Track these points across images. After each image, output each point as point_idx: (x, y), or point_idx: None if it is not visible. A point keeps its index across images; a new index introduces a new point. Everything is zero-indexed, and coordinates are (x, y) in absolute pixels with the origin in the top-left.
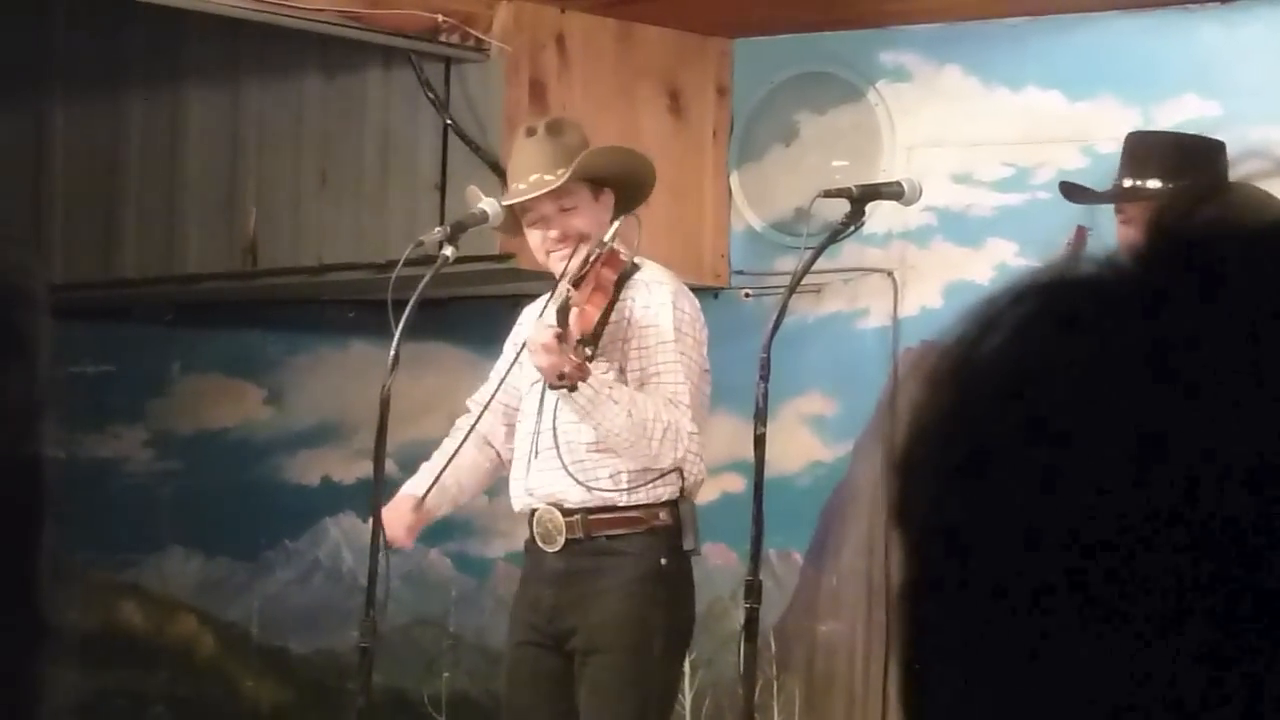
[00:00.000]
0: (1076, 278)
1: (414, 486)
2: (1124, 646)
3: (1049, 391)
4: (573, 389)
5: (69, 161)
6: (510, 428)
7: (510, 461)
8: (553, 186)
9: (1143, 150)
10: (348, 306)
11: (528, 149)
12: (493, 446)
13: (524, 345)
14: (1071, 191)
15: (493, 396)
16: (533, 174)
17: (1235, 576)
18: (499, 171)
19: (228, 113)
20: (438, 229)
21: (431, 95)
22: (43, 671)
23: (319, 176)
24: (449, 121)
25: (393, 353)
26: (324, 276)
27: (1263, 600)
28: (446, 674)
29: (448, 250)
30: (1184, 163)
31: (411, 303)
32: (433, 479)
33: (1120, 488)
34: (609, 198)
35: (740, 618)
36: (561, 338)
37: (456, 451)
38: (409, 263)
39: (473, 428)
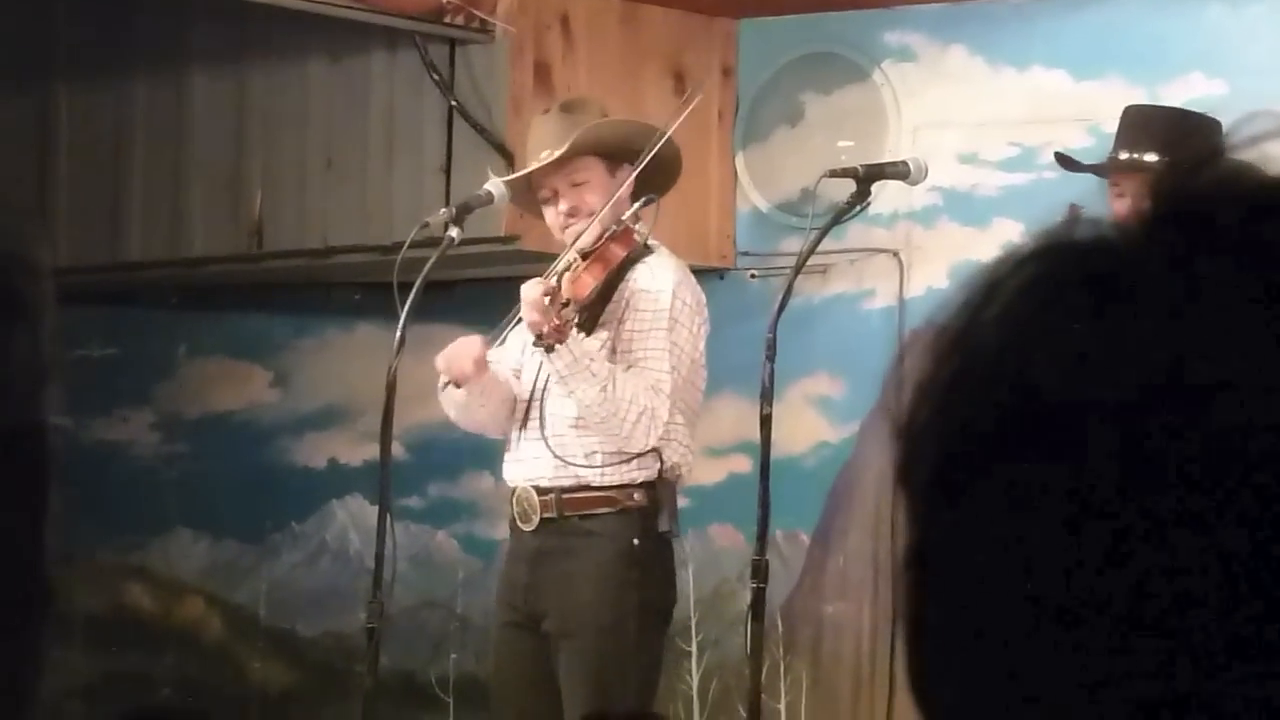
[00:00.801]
0: (1077, 243)
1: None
2: (1131, 615)
3: (1051, 355)
4: (549, 349)
5: (74, 144)
6: (517, 388)
7: (516, 415)
8: (554, 157)
9: (1140, 124)
10: (353, 289)
11: (541, 127)
12: (511, 389)
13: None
14: (1067, 162)
15: (503, 336)
16: (544, 151)
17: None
18: (504, 153)
19: (233, 95)
20: (443, 211)
21: (436, 77)
22: (46, 639)
23: (324, 159)
24: (454, 103)
25: (398, 335)
26: (329, 259)
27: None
28: (454, 655)
29: (453, 232)
30: (1181, 136)
31: (417, 285)
32: (497, 334)
33: (1123, 454)
34: (626, 175)
35: (747, 598)
36: (551, 296)
37: (514, 320)
38: (414, 245)
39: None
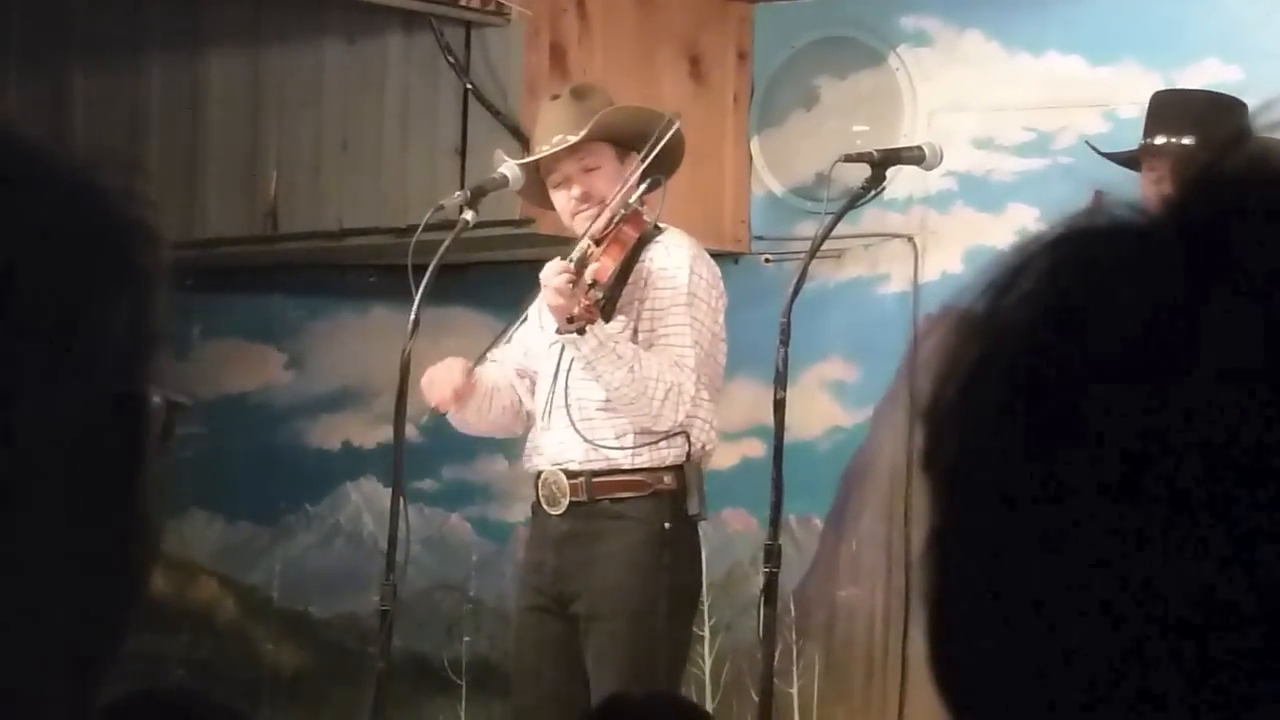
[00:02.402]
0: (1104, 225)
1: (458, 361)
2: (1154, 596)
3: (1078, 338)
4: (581, 332)
5: (88, 127)
6: (529, 395)
7: (529, 419)
8: (570, 143)
9: (1172, 107)
10: (368, 271)
11: (552, 111)
12: (518, 393)
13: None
14: (1101, 151)
15: (507, 331)
16: (555, 135)
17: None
18: (519, 136)
19: (248, 77)
20: (458, 193)
21: (452, 60)
22: (130, 628)
23: (339, 141)
24: (469, 86)
25: (413, 317)
26: (344, 241)
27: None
28: (467, 638)
29: (468, 215)
30: (1214, 118)
31: (432, 267)
32: (481, 354)
33: (1150, 435)
34: (635, 161)
35: (760, 583)
36: (575, 282)
37: (500, 338)
38: (429, 227)
39: (507, 333)
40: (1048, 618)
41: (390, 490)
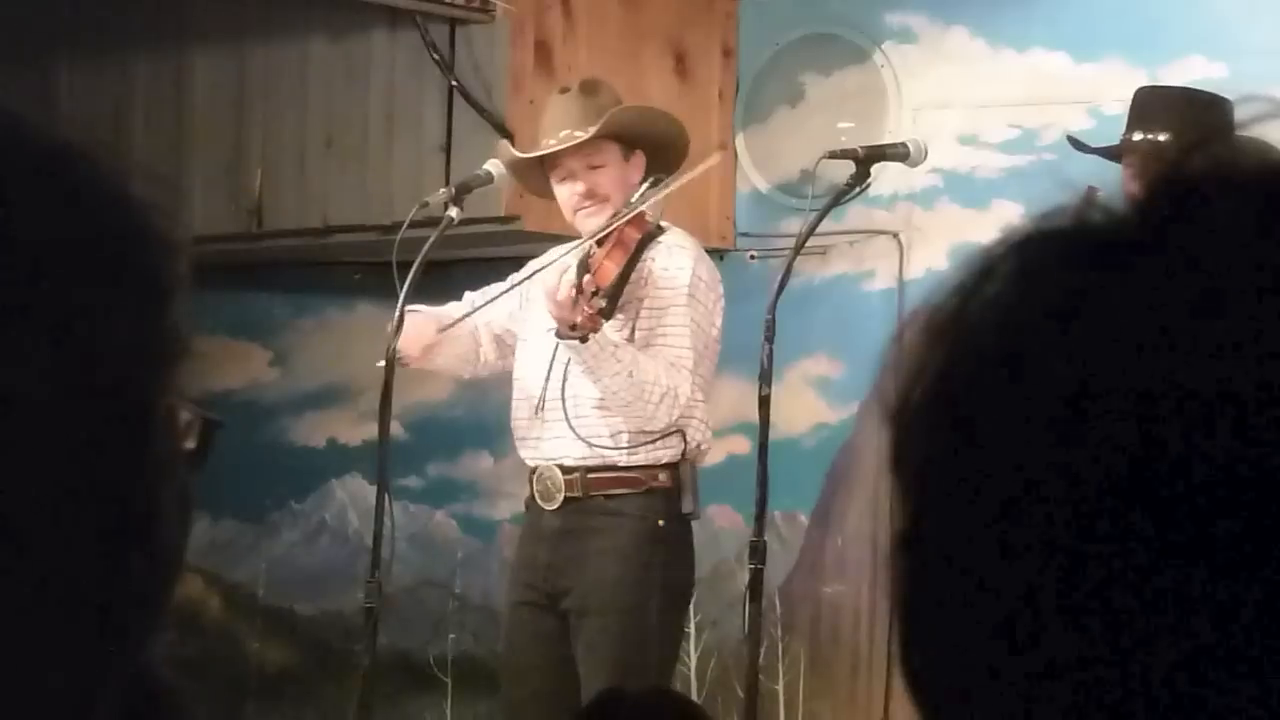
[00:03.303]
0: (1073, 226)
1: (438, 313)
2: (1119, 599)
3: (1044, 339)
4: (583, 340)
5: (74, 123)
6: (501, 342)
7: (485, 368)
8: (580, 141)
9: (1152, 104)
10: (353, 268)
11: (560, 105)
12: (477, 340)
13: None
14: (1081, 145)
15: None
16: (563, 130)
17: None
18: (504, 133)
19: (233, 74)
20: (442, 190)
21: (436, 57)
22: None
23: (324, 138)
24: (454, 83)
25: (397, 314)
26: (329, 238)
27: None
28: (452, 635)
29: (452, 212)
30: (1193, 116)
31: (416, 265)
32: (459, 318)
33: (1116, 437)
34: (640, 160)
35: (745, 579)
36: (578, 289)
37: (481, 308)
38: (414, 224)
39: (487, 302)
40: (1015, 622)
41: (375, 487)
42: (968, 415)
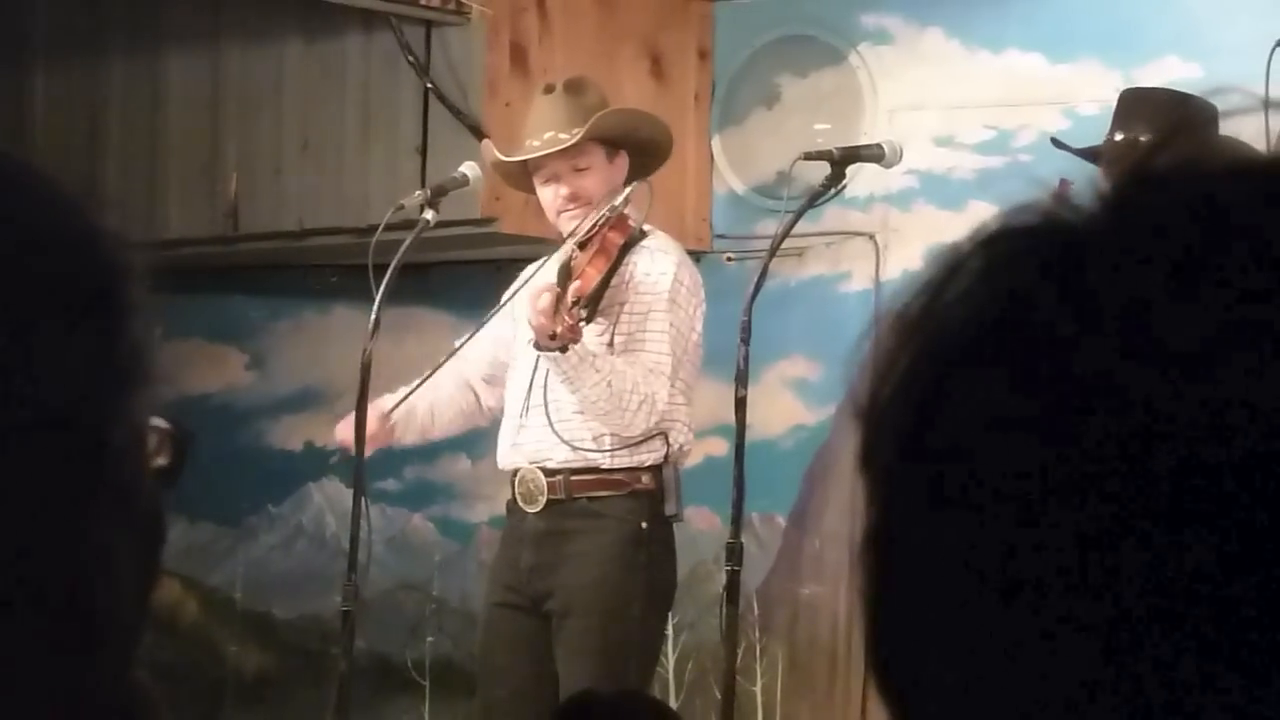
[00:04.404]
0: (1040, 222)
1: (385, 400)
2: (1092, 598)
3: (1011, 337)
4: (563, 350)
5: (48, 126)
6: (495, 379)
7: (491, 412)
8: (566, 145)
9: (1135, 105)
10: (330, 271)
11: (544, 106)
12: (474, 391)
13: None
14: (1063, 146)
15: (468, 339)
16: (547, 131)
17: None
18: (480, 135)
19: (208, 77)
20: (418, 193)
21: (412, 59)
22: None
23: (300, 141)
24: (429, 85)
25: (373, 317)
26: (305, 241)
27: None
28: (430, 639)
29: (428, 214)
30: (1177, 117)
31: (392, 267)
32: (402, 398)
33: (1083, 431)
34: (623, 161)
35: (722, 581)
36: (559, 299)
37: (429, 377)
38: (390, 227)
39: (446, 360)
40: (981, 621)
41: (352, 491)
42: (933, 413)
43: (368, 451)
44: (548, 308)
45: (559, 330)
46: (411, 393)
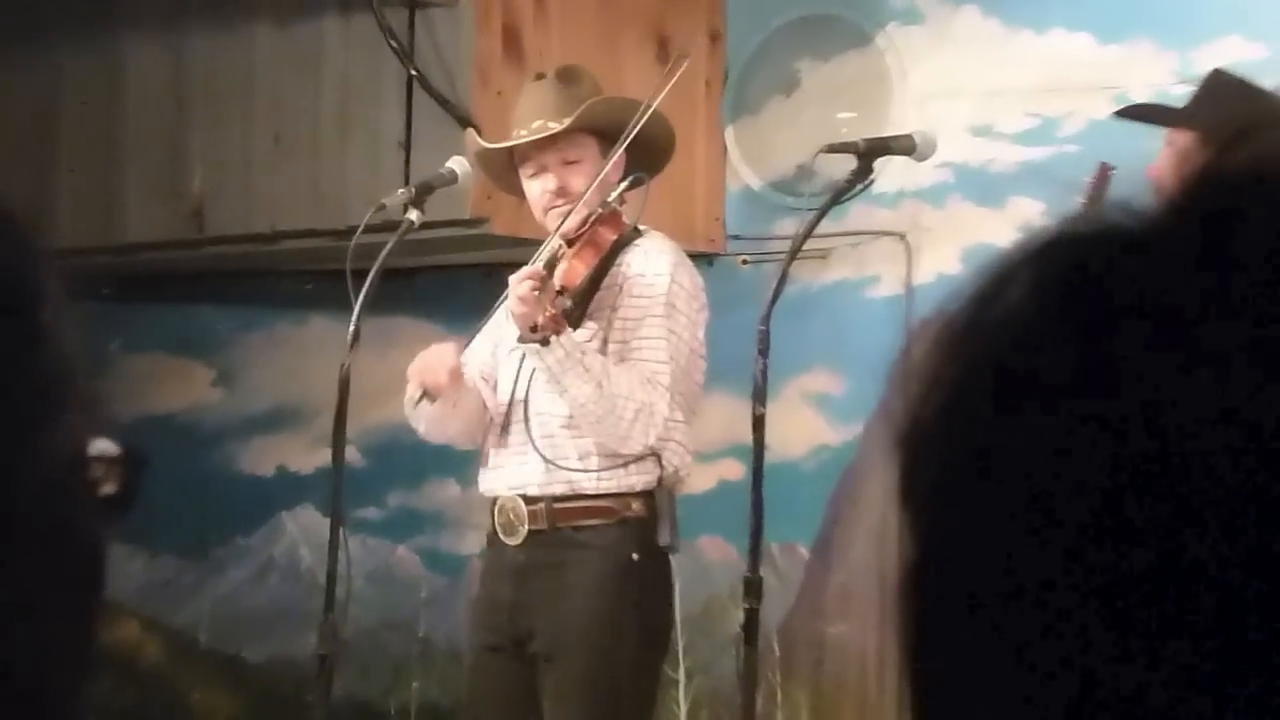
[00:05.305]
0: (1098, 230)
1: (448, 346)
2: (1143, 635)
3: (1067, 356)
4: (544, 343)
5: None
6: (490, 394)
7: (486, 424)
8: (553, 133)
9: (1220, 87)
10: (305, 277)
11: (534, 94)
12: (483, 396)
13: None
14: (1132, 112)
15: (469, 341)
16: (536, 120)
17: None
18: (469, 127)
19: (171, 65)
20: (401, 191)
21: (394, 44)
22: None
23: (271, 134)
24: (414, 73)
25: (353, 328)
26: (278, 244)
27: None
28: (416, 683)
29: (413, 214)
30: (1255, 112)
31: (373, 272)
32: (467, 340)
33: (1140, 462)
34: (619, 157)
35: (739, 618)
36: (542, 286)
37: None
38: (371, 228)
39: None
40: (1034, 670)
41: (330, 520)
42: (983, 438)
43: (452, 389)
44: (528, 293)
45: (540, 320)
46: (478, 331)
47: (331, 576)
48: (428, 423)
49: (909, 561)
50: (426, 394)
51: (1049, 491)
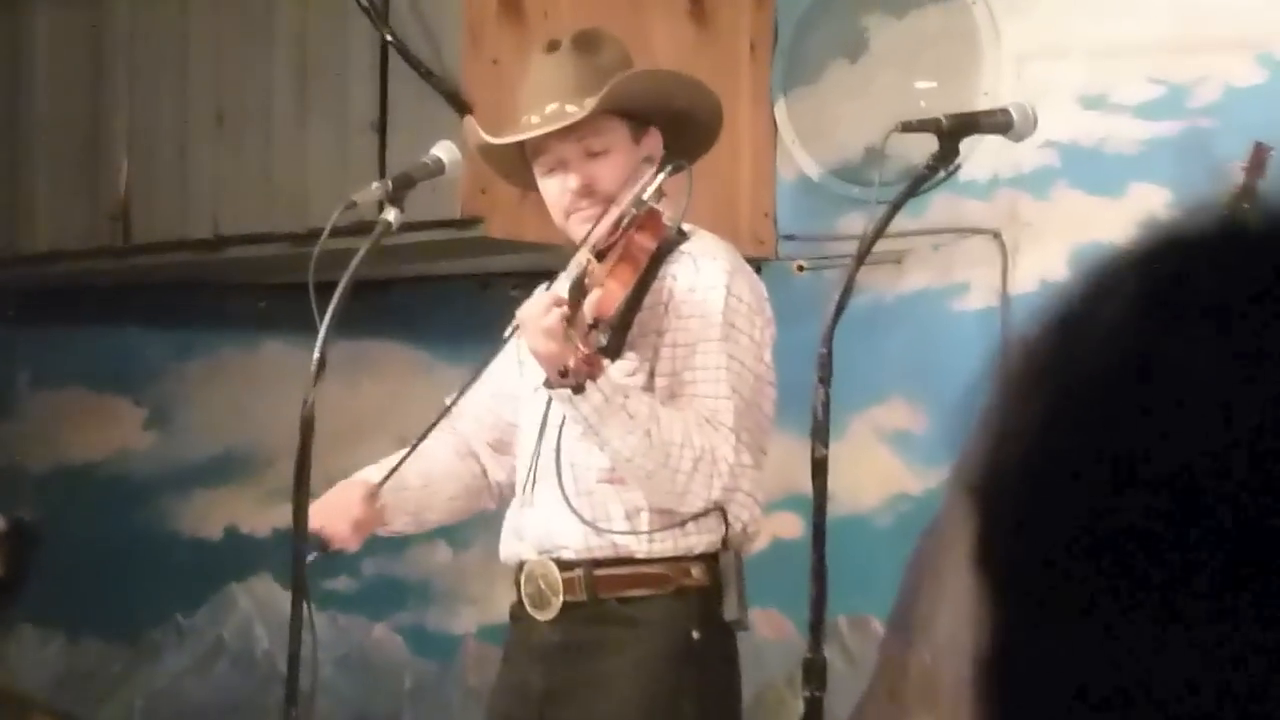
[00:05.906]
0: (1227, 228)
1: (368, 473)
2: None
3: (1186, 382)
4: (578, 390)
5: None
6: (504, 446)
7: (500, 490)
8: (573, 119)
9: None
10: (257, 292)
11: (546, 70)
12: (478, 460)
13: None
14: None
15: (464, 390)
16: (550, 103)
17: None
18: (458, 104)
19: (88, 32)
20: (376, 184)
21: (365, 2)
22: None
23: (213, 115)
24: (389, 38)
25: (317, 354)
26: (222, 252)
27: None
28: None
29: (390, 214)
30: None
31: (342, 285)
32: (394, 467)
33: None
34: (654, 141)
35: (799, 709)
36: (570, 320)
37: (424, 438)
38: (338, 231)
39: (439, 419)
40: None
41: (291, 592)
42: (1076, 490)
43: (354, 544)
44: (556, 328)
45: (572, 364)
46: (404, 460)
47: (294, 662)
48: (399, 526)
49: (989, 639)
50: (321, 545)
51: (1162, 555)
